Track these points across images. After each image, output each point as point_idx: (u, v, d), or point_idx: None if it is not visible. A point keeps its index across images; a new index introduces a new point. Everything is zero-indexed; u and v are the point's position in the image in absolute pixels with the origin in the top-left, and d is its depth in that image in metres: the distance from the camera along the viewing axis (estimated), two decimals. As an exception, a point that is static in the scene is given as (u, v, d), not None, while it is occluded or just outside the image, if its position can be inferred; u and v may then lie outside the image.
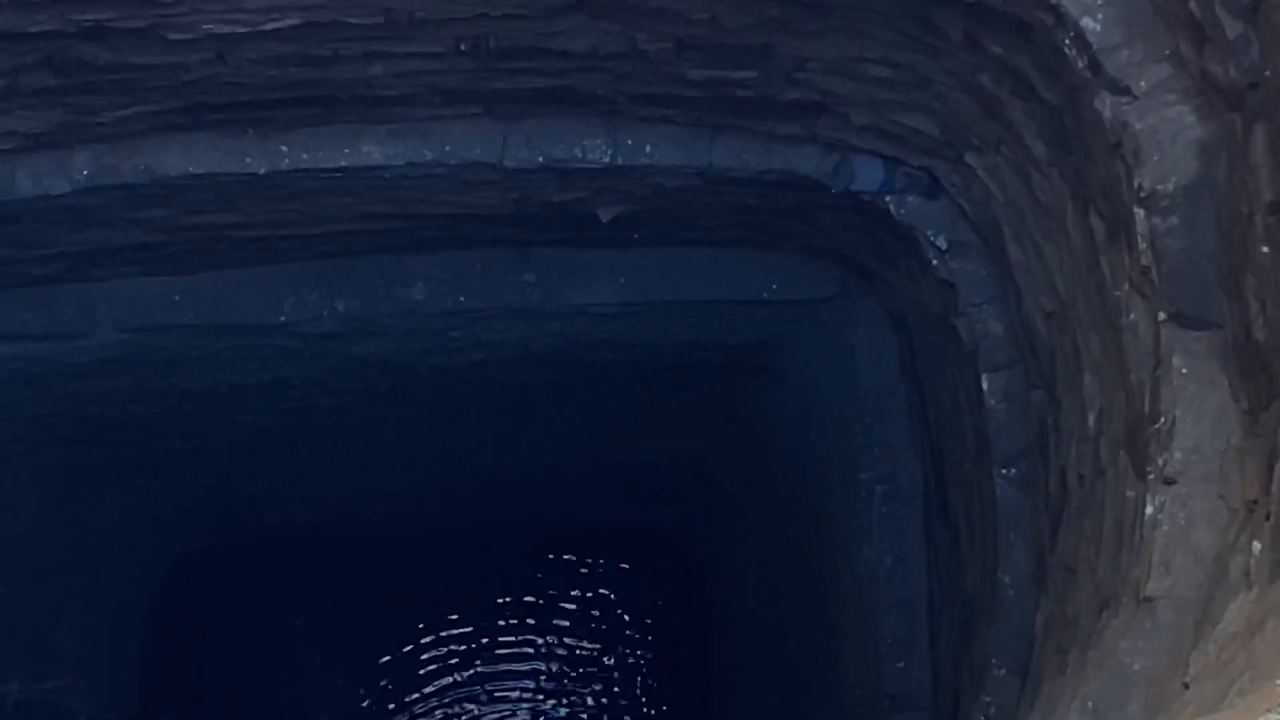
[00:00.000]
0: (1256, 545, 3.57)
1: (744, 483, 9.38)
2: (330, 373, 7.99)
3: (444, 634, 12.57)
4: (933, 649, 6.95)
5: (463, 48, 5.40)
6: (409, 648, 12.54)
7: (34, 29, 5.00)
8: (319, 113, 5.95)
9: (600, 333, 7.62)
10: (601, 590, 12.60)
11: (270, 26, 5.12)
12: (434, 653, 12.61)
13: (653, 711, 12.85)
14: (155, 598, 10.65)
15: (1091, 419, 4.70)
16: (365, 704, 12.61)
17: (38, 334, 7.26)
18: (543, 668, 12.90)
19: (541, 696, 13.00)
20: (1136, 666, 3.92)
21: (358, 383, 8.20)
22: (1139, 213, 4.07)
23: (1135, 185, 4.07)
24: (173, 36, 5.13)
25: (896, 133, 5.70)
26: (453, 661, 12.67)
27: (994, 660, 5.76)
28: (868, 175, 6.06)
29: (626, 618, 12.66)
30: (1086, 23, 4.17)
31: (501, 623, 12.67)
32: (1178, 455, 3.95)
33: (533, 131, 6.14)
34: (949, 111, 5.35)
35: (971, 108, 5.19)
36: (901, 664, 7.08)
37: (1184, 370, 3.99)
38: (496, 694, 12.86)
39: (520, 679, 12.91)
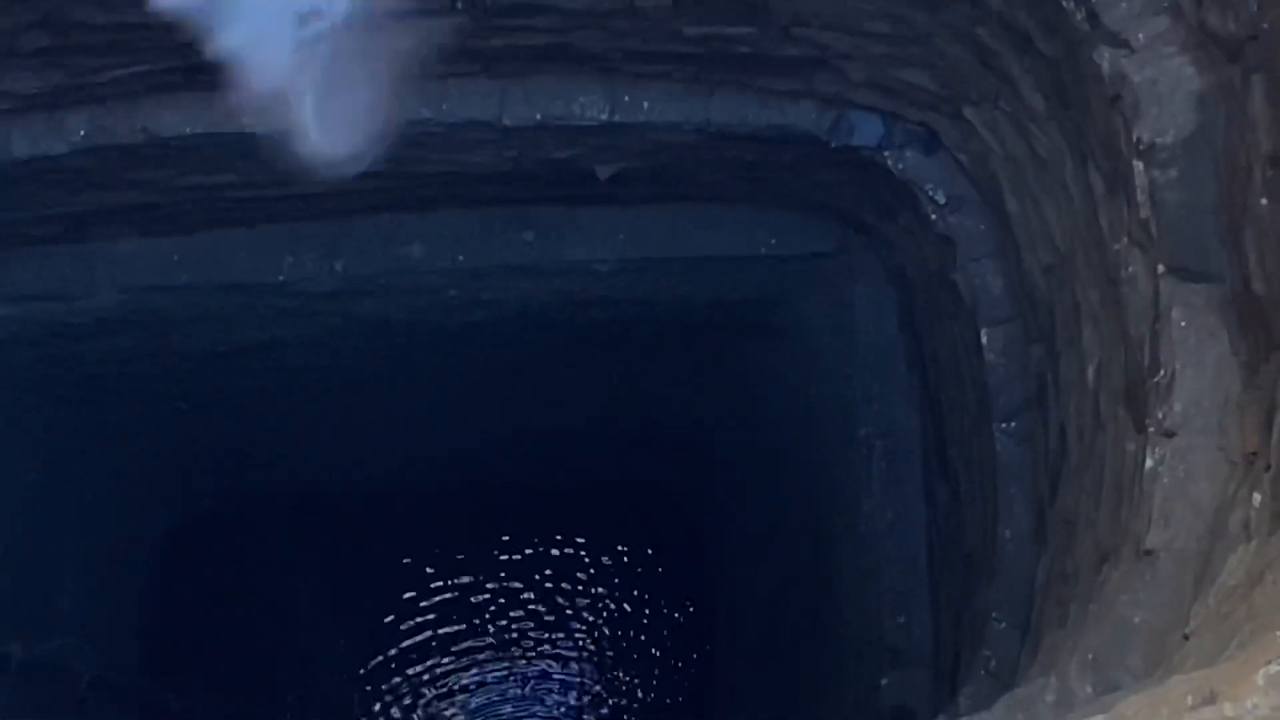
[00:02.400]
0: (1256, 497, 3.57)
1: (743, 438, 9.38)
2: (329, 332, 7.99)
3: (443, 595, 12.59)
4: (933, 603, 6.96)
5: (459, 5, 5.38)
6: (408, 608, 12.56)
7: (30, -11, 5.00)
8: (316, 71, 5.93)
9: (599, 290, 7.62)
10: (600, 547, 12.61)
11: (266, -15, 5.10)
12: (432, 614, 12.63)
13: (652, 667, 12.88)
14: (156, 558, 10.66)
15: (1091, 372, 4.70)
16: (366, 664, 12.64)
17: (36, 295, 7.25)
18: (541, 625, 12.93)
19: (540, 653, 13.03)
20: (1137, 619, 3.92)
21: (357, 342, 8.20)
22: (1138, 166, 4.06)
23: (1134, 138, 4.06)
24: (169, -4, 5.12)
25: (894, 88, 5.69)
26: (452, 620, 12.69)
27: (994, 614, 5.77)
28: (866, 130, 6.05)
29: (625, 574, 12.68)
30: (1085, -25, 4.15)
31: (500, 582, 12.70)
32: (1177, 408, 3.95)
33: (530, 89, 6.13)
34: (947, 66, 5.33)
35: (970, 62, 5.18)
36: (902, 619, 7.09)
37: (1183, 323, 3.99)
38: (496, 653, 12.89)
39: (519, 637, 12.94)
